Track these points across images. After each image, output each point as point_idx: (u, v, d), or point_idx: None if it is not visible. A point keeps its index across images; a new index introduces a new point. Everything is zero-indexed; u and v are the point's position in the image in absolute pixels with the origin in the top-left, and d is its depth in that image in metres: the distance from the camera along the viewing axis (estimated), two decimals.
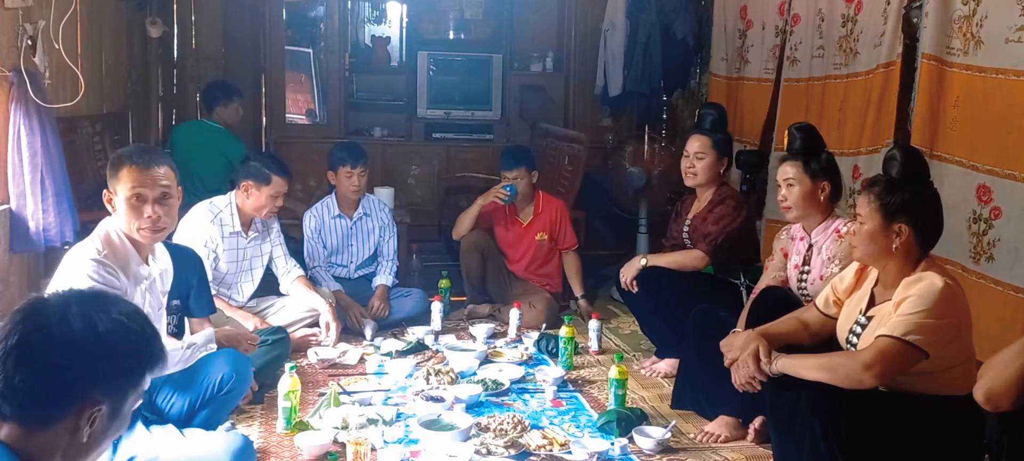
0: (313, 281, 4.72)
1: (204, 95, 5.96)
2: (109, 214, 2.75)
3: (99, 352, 1.41)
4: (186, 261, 3.30)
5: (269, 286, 4.49)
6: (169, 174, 2.72)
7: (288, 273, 4.43)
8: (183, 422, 2.87)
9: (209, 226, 4.11)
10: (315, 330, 4.37)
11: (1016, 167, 3.39)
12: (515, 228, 5.11)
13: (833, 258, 3.28)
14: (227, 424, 3.11)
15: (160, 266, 2.90)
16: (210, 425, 2.95)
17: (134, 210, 2.67)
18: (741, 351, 2.79)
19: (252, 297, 4.39)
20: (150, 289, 2.79)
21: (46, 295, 1.48)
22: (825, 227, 3.37)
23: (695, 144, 4.21)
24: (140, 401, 1.52)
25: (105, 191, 2.72)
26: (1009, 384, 2.05)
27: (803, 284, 3.41)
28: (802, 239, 3.48)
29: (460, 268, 5.10)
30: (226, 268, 4.19)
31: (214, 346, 3.01)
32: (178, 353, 2.87)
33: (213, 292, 4.03)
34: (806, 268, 3.41)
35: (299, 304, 4.38)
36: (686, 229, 4.25)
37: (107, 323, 1.43)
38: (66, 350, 1.39)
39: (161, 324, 2.91)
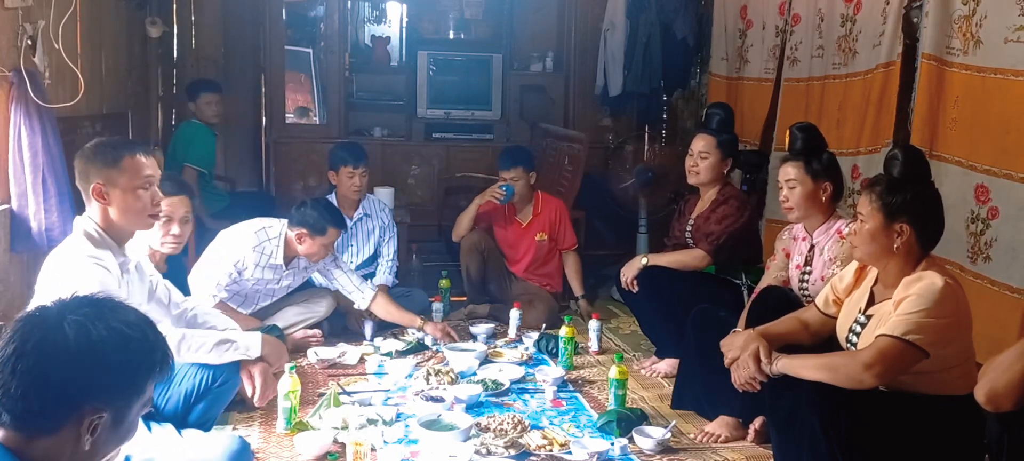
0: (310, 281, 4.73)
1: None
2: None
3: (93, 361, 1.39)
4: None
5: None
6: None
7: (362, 294, 4.31)
8: (180, 417, 2.87)
9: (249, 251, 4.05)
10: (316, 331, 4.37)
11: (1014, 167, 3.39)
12: (514, 229, 5.11)
13: (835, 259, 3.27)
14: (230, 427, 3.10)
15: (136, 256, 2.89)
16: (207, 417, 2.94)
17: (140, 198, 2.71)
18: (741, 351, 2.79)
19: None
20: (131, 280, 2.79)
21: (48, 303, 1.46)
22: (827, 228, 3.37)
23: (700, 143, 4.20)
24: (148, 408, 1.50)
25: (96, 184, 2.66)
26: (1011, 385, 2.05)
27: (804, 284, 3.41)
28: (804, 239, 3.48)
29: (460, 268, 5.10)
30: (250, 285, 4.16)
31: (256, 353, 2.95)
32: (212, 337, 2.85)
33: (222, 296, 4.00)
34: (808, 268, 3.41)
35: (298, 306, 4.38)
36: (689, 229, 4.25)
37: (102, 331, 1.41)
38: (59, 360, 1.38)
39: (149, 309, 2.88)
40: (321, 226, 4.09)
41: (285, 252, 4.14)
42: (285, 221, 4.17)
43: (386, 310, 4.33)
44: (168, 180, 3.29)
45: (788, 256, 3.60)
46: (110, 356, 1.41)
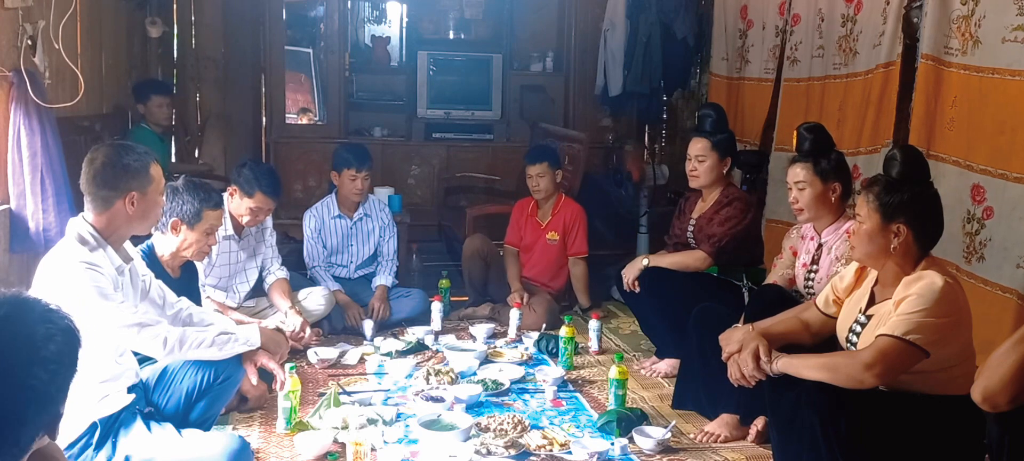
0: (312, 281, 4.73)
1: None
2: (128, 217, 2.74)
3: None
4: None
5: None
6: None
7: (269, 274, 4.39)
8: (182, 415, 2.86)
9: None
10: (317, 328, 4.37)
11: (1007, 166, 3.39)
12: (533, 228, 5.14)
13: (841, 257, 3.25)
14: (230, 427, 3.10)
15: (131, 257, 2.89)
16: (208, 415, 2.94)
17: (159, 204, 2.83)
18: (739, 347, 2.79)
19: (250, 298, 4.38)
20: (125, 282, 2.79)
21: None
22: (836, 227, 3.35)
23: (696, 147, 4.19)
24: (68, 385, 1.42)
25: (133, 193, 2.68)
26: (1004, 381, 2.03)
27: (810, 283, 3.40)
28: (812, 238, 3.47)
29: (462, 273, 5.10)
30: (220, 271, 4.17)
31: (256, 343, 2.92)
32: (210, 332, 2.84)
33: (206, 295, 4.00)
34: (814, 267, 3.41)
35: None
36: (691, 228, 4.24)
37: None
38: None
39: (143, 309, 2.86)
40: (250, 188, 4.10)
41: (233, 221, 4.20)
42: (226, 194, 4.15)
43: (274, 297, 4.32)
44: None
45: (795, 254, 3.59)
46: None
